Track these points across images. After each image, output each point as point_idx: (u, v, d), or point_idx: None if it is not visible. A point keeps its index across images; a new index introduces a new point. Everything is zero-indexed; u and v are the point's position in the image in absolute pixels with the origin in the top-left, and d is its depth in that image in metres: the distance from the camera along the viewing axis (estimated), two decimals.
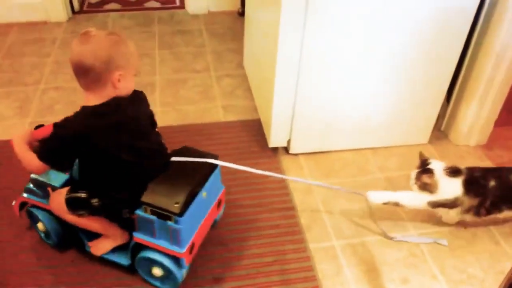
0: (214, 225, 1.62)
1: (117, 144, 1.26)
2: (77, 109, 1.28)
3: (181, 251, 1.32)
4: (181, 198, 1.29)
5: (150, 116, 1.44)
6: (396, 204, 1.62)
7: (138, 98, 1.37)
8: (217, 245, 1.60)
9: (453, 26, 1.73)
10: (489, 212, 1.60)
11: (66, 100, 2.32)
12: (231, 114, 2.26)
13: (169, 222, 1.29)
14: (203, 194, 1.38)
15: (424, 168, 1.60)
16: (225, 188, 1.59)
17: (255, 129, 2.15)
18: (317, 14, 1.60)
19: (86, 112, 1.25)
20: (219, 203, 1.55)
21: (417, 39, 1.74)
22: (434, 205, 1.60)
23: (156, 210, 1.29)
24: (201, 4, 3.21)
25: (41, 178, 1.44)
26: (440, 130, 2.17)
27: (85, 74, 1.23)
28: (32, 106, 2.27)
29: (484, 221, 1.67)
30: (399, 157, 2.02)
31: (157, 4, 3.37)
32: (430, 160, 1.63)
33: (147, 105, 1.43)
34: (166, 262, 1.35)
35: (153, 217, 1.30)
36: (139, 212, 1.32)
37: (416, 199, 1.61)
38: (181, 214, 1.27)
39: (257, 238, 1.63)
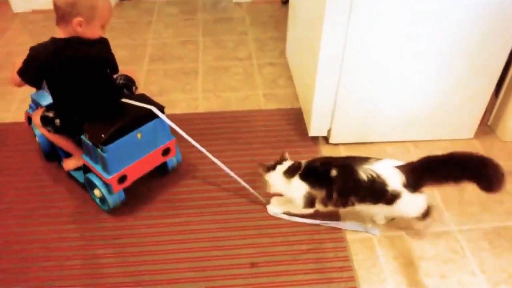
0: (167, 171, 1.84)
1: (66, 74, 1.53)
2: None
3: (107, 177, 1.58)
4: (109, 131, 1.54)
5: (106, 59, 1.63)
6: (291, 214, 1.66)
7: (97, 42, 1.57)
8: (254, 230, 1.63)
9: (505, 17, 1.66)
10: (343, 203, 1.53)
11: None
12: (272, 103, 2.27)
13: (98, 150, 1.56)
14: (137, 134, 1.62)
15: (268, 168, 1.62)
16: (176, 139, 1.76)
17: (295, 118, 2.15)
18: (363, 5, 1.58)
19: (51, 41, 1.51)
20: (166, 151, 1.75)
21: (467, 32, 1.68)
22: (308, 205, 1.57)
23: (90, 137, 1.59)
24: None
25: (35, 97, 1.79)
26: (487, 125, 2.10)
27: (56, 11, 1.49)
28: None
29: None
30: (442, 151, 1.96)
31: None
32: (285, 161, 1.62)
33: (106, 51, 1.62)
34: (100, 185, 1.62)
35: (90, 143, 1.58)
36: (82, 136, 1.61)
37: (295, 205, 1.60)
38: (104, 144, 1.53)
39: (293, 225, 1.65)
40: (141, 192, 1.77)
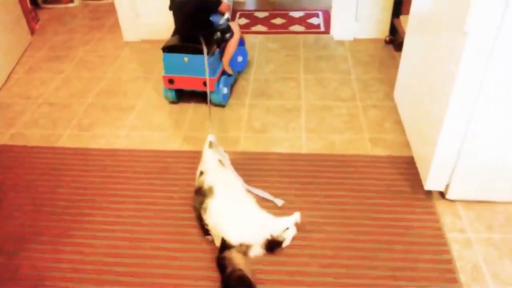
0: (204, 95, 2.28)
1: (174, 11, 2.43)
2: None
3: (163, 74, 2.43)
4: (169, 45, 2.39)
5: (201, 3, 2.35)
6: None
7: None
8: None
9: None
10: None
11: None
12: (379, 148, 2.16)
13: None
14: (184, 58, 2.34)
15: None
16: (215, 79, 2.37)
17: (406, 167, 2.02)
18: (506, 53, 1.44)
19: None
20: (205, 83, 2.28)
21: None
22: None
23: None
24: (347, 31, 3.16)
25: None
26: None
27: None
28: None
29: None
30: None
31: (302, 28, 3.40)
32: None
33: None
34: None
35: None
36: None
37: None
38: (163, 50, 2.38)
39: (410, 278, 1.51)
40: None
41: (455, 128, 1.64)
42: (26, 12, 3.35)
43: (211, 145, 1.89)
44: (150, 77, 2.81)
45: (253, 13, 3.71)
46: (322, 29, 3.39)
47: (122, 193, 1.95)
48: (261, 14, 3.69)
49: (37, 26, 3.60)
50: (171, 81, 2.40)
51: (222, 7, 2.42)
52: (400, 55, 2.32)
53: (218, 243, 1.61)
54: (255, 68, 2.88)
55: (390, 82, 2.65)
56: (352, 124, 2.33)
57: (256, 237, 1.59)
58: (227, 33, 2.45)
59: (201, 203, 1.70)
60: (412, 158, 2.05)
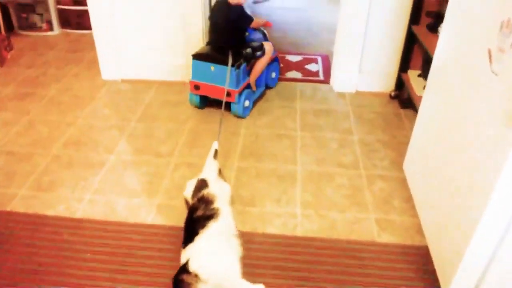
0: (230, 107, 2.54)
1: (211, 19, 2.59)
2: None
3: (190, 79, 2.57)
4: (198, 52, 2.53)
5: (228, 19, 2.49)
6: None
7: (234, 6, 2.47)
8: None
9: None
10: None
11: None
12: (387, 234, 1.84)
13: None
14: (211, 67, 2.46)
15: None
16: (237, 91, 2.48)
17: (419, 260, 1.70)
18: None
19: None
20: (228, 94, 2.42)
21: None
22: None
23: None
24: (349, 83, 2.89)
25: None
26: None
27: None
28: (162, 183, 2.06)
29: None
30: None
31: (299, 75, 3.13)
32: None
33: (230, 13, 2.48)
34: None
35: None
36: None
37: None
38: (193, 58, 2.51)
39: None
40: None
41: (494, 225, 1.33)
42: None
43: (216, 154, 1.93)
44: (126, 127, 2.48)
45: None
46: (321, 77, 3.12)
47: (77, 282, 1.60)
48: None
49: (8, 56, 3.27)
50: (197, 87, 2.55)
51: (253, 24, 2.58)
52: (406, 113, 2.04)
53: (183, 260, 1.48)
54: (246, 120, 2.57)
55: (396, 146, 2.36)
56: (356, 199, 2.01)
57: (214, 281, 1.43)
58: (258, 51, 2.58)
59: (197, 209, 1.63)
60: (426, 248, 1.73)
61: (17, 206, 1.93)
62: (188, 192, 1.75)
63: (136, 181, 2.08)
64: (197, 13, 2.74)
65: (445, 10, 1.80)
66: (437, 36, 2.39)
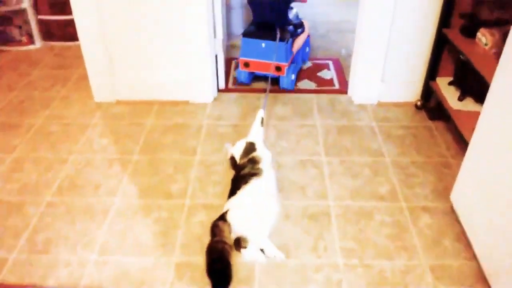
0: (274, 81, 2.69)
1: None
2: None
3: (239, 57, 2.71)
4: (248, 30, 2.68)
5: None
6: None
7: None
8: None
9: None
10: None
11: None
12: (445, 284, 1.58)
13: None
14: (262, 43, 2.60)
15: None
16: (287, 64, 2.63)
17: None
18: None
19: None
20: (278, 68, 2.62)
21: None
22: None
23: None
24: (371, 93, 2.62)
25: None
26: None
27: None
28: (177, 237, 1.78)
29: None
30: None
31: (313, 85, 2.84)
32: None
33: None
34: None
35: None
36: None
37: None
38: (243, 35, 2.66)
39: None
40: None
41: None
42: None
43: (262, 122, 2.14)
44: (128, 161, 2.18)
45: None
46: (337, 86, 2.84)
47: None
48: None
49: None
50: (246, 64, 2.69)
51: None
52: (437, 126, 1.85)
53: (224, 210, 1.75)
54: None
55: (434, 169, 2.11)
56: (402, 241, 1.76)
57: (242, 231, 1.67)
58: (299, 27, 2.84)
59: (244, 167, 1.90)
60: None
61: (9, 275, 1.63)
62: (236, 151, 2.03)
63: (148, 232, 1.79)
64: (201, 28, 2.43)
65: (480, 12, 1.54)
66: (474, 41, 2.14)
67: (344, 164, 2.15)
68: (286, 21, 2.71)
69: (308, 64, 3.09)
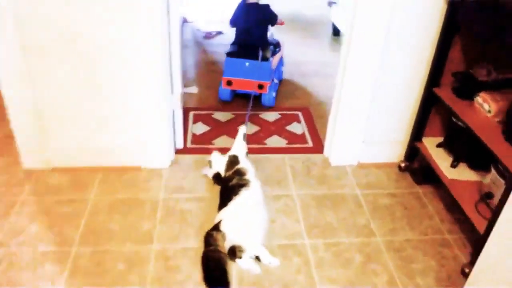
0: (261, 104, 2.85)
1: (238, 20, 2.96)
2: None
3: (223, 76, 2.80)
4: (232, 50, 2.85)
5: (261, 18, 2.89)
6: None
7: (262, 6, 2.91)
8: None
9: None
10: None
11: None
12: None
13: None
14: (246, 63, 2.76)
15: None
16: (269, 82, 2.77)
17: None
18: None
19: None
20: (260, 86, 2.77)
21: None
22: None
23: None
24: (351, 154, 2.33)
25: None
26: None
27: None
28: None
29: None
30: None
31: (283, 142, 2.52)
32: None
33: (262, 13, 2.89)
34: None
35: None
36: None
37: None
38: (227, 55, 2.81)
39: None
40: None
41: None
42: None
43: (244, 137, 2.20)
44: (66, 255, 1.72)
45: (211, 115, 2.77)
46: (310, 142, 2.54)
47: None
48: (222, 116, 2.76)
49: None
50: (229, 83, 2.78)
51: (279, 22, 2.98)
52: (425, 192, 1.73)
53: (216, 221, 1.78)
54: None
55: (432, 249, 1.86)
56: None
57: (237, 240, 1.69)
58: (277, 47, 3.02)
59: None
60: None
61: None
62: (219, 166, 2.08)
63: None
64: (156, 83, 2.04)
65: (474, 70, 1.31)
66: (470, 103, 1.91)
67: (331, 249, 1.82)
68: (266, 41, 2.91)
69: (276, 115, 2.78)
